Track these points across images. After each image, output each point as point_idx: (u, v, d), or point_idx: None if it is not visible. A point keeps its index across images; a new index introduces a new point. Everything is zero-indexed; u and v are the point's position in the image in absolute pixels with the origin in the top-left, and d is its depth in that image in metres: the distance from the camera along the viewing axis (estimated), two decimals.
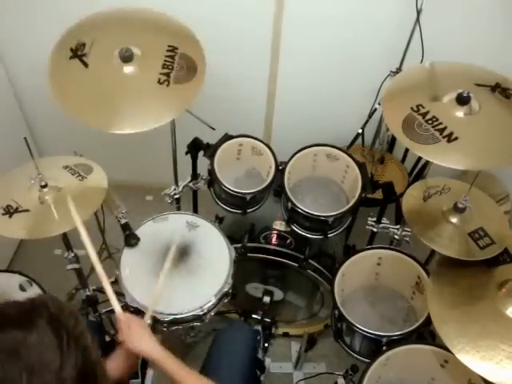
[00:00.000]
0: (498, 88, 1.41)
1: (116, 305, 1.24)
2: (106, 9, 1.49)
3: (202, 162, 1.75)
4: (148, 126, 1.34)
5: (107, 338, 1.78)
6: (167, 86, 1.39)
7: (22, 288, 1.60)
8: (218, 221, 1.83)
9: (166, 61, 1.43)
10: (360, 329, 1.44)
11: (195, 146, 1.72)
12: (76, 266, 1.58)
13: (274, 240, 1.77)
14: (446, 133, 1.31)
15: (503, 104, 1.38)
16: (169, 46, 1.45)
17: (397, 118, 1.36)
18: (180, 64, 1.43)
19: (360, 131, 2.04)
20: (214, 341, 1.51)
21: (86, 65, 1.40)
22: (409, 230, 1.69)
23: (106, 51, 1.42)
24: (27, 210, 1.33)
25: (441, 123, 1.33)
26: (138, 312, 1.45)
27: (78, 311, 0.78)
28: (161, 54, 1.44)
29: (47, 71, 1.39)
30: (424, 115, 1.36)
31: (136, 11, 1.51)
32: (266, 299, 1.87)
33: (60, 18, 1.80)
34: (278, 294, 1.91)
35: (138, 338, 1.19)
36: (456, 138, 1.30)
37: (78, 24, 1.47)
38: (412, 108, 1.37)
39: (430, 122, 1.34)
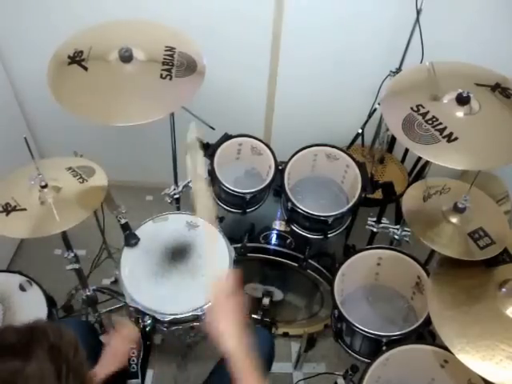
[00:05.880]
0: (498, 88, 1.41)
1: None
2: (101, 20, 1.49)
3: None
4: (153, 116, 1.34)
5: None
6: (170, 79, 1.40)
7: (22, 288, 1.60)
8: (218, 221, 1.83)
9: (165, 59, 1.44)
10: (360, 329, 1.44)
11: None
12: (76, 266, 1.58)
13: (273, 240, 1.77)
14: (445, 133, 1.31)
15: (503, 104, 1.38)
16: (166, 47, 1.47)
17: (397, 118, 1.36)
18: (180, 61, 1.45)
19: (360, 131, 2.04)
20: None
21: (85, 68, 1.41)
22: (409, 230, 1.69)
23: (105, 54, 1.43)
24: (24, 209, 1.33)
25: (441, 123, 1.33)
26: (138, 312, 1.46)
27: (77, 340, 0.76)
28: (160, 54, 1.45)
29: (46, 78, 1.39)
30: (424, 115, 1.35)
31: (131, 22, 1.53)
32: (266, 301, 1.87)
33: (60, 18, 1.81)
34: (278, 294, 1.91)
35: (224, 317, 1.03)
36: (456, 139, 1.30)
37: (72, 36, 1.48)
38: (412, 108, 1.37)
39: (430, 122, 1.34)
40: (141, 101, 1.39)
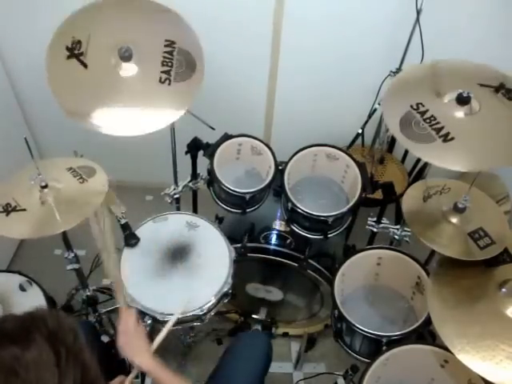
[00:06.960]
0: (501, 89, 1.38)
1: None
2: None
3: (202, 162, 1.75)
4: (154, 127, 1.35)
5: (106, 339, 1.77)
6: (169, 84, 1.39)
7: (22, 288, 1.60)
8: (218, 221, 1.83)
9: (164, 57, 1.43)
10: (360, 329, 1.44)
11: (195, 146, 1.72)
12: (76, 266, 1.58)
13: (273, 240, 1.77)
14: (442, 132, 1.30)
15: (505, 106, 1.35)
16: (166, 41, 1.45)
17: (395, 116, 1.35)
18: (179, 60, 1.43)
19: (360, 131, 2.04)
20: (230, 348, 1.50)
21: (85, 65, 1.39)
22: (409, 230, 1.69)
23: (105, 49, 1.41)
24: (24, 210, 1.33)
25: (438, 122, 1.32)
26: (138, 312, 1.45)
27: (77, 325, 0.76)
28: (159, 49, 1.44)
29: (45, 72, 1.38)
30: (423, 114, 1.34)
31: (131, 2, 1.49)
32: (262, 315, 1.89)
33: (60, 17, 1.81)
34: (278, 295, 1.91)
35: (134, 350, 1.19)
36: (452, 139, 1.29)
37: (70, 18, 1.44)
38: (412, 106, 1.36)
39: (427, 120, 1.33)
40: (146, 109, 1.39)
